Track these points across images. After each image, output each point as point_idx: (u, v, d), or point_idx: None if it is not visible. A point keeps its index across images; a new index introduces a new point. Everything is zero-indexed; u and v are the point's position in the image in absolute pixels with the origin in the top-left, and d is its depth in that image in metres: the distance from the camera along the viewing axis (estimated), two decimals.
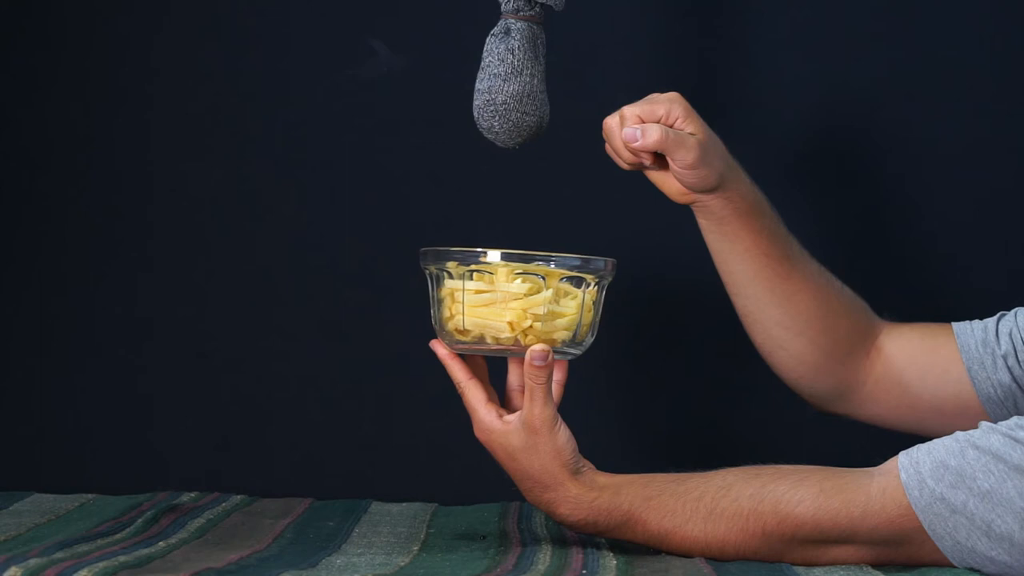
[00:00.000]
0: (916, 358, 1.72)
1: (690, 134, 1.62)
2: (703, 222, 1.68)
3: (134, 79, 2.00)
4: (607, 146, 1.66)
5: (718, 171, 1.64)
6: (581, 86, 1.95)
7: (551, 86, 1.68)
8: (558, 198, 1.99)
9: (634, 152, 1.63)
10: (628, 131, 1.62)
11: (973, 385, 1.69)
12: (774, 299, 1.70)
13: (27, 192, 2.01)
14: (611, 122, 1.64)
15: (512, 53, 1.65)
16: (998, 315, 1.71)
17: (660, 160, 1.64)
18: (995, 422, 1.65)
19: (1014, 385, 1.67)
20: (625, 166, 1.66)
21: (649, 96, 1.64)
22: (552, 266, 1.54)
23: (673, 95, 1.63)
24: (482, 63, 1.66)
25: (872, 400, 1.74)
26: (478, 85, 1.66)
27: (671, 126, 1.62)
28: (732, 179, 1.65)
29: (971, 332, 1.70)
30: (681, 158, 1.62)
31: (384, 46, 1.98)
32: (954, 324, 1.72)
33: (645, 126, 1.61)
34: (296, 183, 2.00)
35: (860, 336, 1.73)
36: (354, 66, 1.99)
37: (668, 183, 1.66)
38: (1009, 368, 1.68)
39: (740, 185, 1.66)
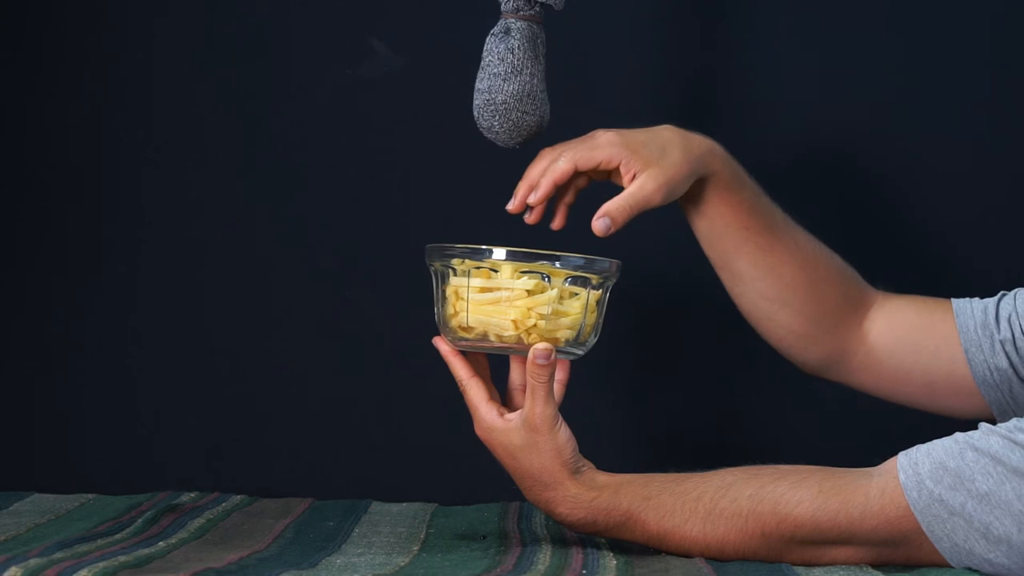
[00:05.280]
0: (910, 333, 1.72)
1: (646, 177, 1.61)
2: (682, 203, 1.69)
3: (134, 79, 2.00)
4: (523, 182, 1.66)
5: (686, 177, 1.64)
6: (581, 86, 1.95)
7: (551, 86, 1.68)
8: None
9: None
10: (600, 225, 1.60)
11: (969, 367, 1.69)
12: (758, 272, 1.69)
13: (27, 192, 2.01)
14: (538, 173, 1.63)
15: (512, 52, 1.65)
16: (999, 295, 1.71)
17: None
18: (989, 404, 1.66)
19: (1011, 370, 1.67)
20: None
21: (588, 139, 1.64)
22: (557, 265, 1.54)
23: (609, 137, 1.63)
24: (482, 63, 1.66)
25: (864, 370, 1.73)
26: (478, 84, 1.66)
27: (616, 169, 1.62)
28: (702, 166, 1.65)
29: (971, 313, 1.70)
30: (652, 205, 1.63)
31: (384, 46, 1.98)
32: (953, 301, 1.72)
33: (610, 213, 1.60)
34: (296, 183, 2.00)
35: (851, 306, 1.72)
36: (354, 66, 1.99)
37: None
38: (1007, 354, 1.67)
39: (712, 164, 1.65)
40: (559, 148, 1.64)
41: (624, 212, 1.61)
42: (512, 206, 1.64)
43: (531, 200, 1.63)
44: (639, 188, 1.61)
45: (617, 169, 1.63)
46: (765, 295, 1.70)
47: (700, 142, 1.66)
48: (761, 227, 1.68)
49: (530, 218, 1.65)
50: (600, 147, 1.63)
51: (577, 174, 1.65)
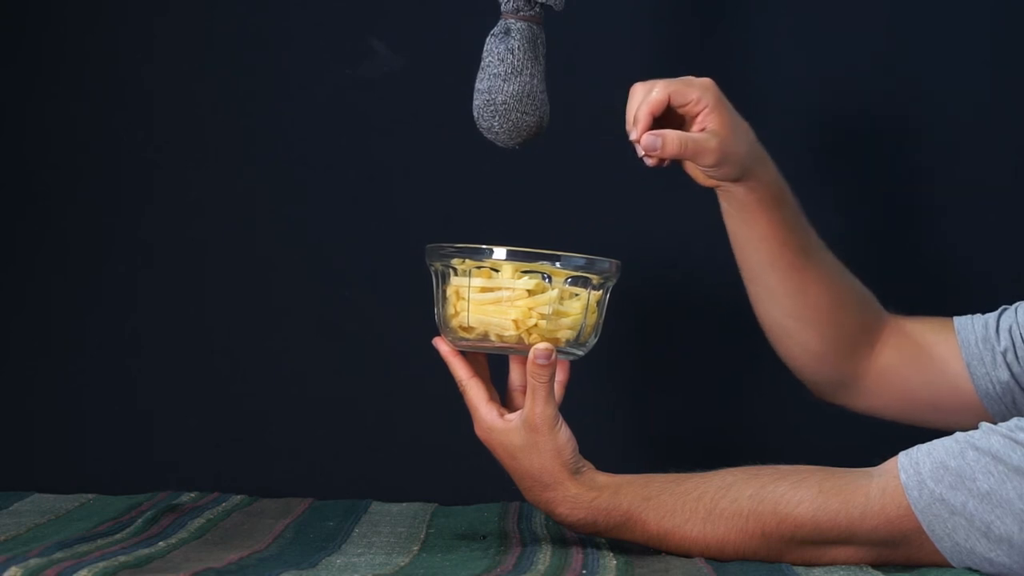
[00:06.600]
0: (918, 355, 1.72)
1: (712, 133, 1.61)
2: (724, 205, 1.68)
3: (134, 79, 2.00)
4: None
5: (739, 165, 1.63)
6: (581, 86, 1.95)
7: (551, 86, 1.68)
8: (558, 198, 1.99)
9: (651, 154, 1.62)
10: (648, 140, 1.60)
11: (972, 382, 1.69)
12: (787, 289, 1.69)
13: (27, 192, 2.01)
14: (636, 107, 1.62)
15: (512, 53, 1.65)
16: (1000, 309, 1.71)
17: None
18: (993, 418, 1.66)
19: (1013, 382, 1.67)
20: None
21: (685, 78, 1.63)
22: (558, 265, 1.54)
23: (707, 82, 1.63)
24: (482, 63, 1.66)
25: (872, 394, 1.74)
26: (478, 85, 1.66)
27: (697, 115, 1.62)
28: (756, 169, 1.64)
29: (972, 328, 1.70)
30: (700, 161, 1.62)
31: (384, 46, 1.98)
32: (955, 319, 1.72)
33: (665, 136, 1.60)
34: (296, 183, 2.00)
35: (867, 331, 1.73)
36: (354, 66, 1.99)
37: (691, 168, 1.66)
38: (1008, 365, 1.68)
39: (765, 174, 1.65)
40: (652, 81, 1.63)
41: (677, 144, 1.60)
42: (633, 136, 1.62)
43: (632, 136, 1.62)
44: (703, 138, 1.61)
45: (696, 117, 1.62)
46: (790, 313, 1.70)
47: (763, 151, 1.66)
48: (796, 246, 1.68)
49: (640, 153, 1.62)
50: (695, 85, 1.62)
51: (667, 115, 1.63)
